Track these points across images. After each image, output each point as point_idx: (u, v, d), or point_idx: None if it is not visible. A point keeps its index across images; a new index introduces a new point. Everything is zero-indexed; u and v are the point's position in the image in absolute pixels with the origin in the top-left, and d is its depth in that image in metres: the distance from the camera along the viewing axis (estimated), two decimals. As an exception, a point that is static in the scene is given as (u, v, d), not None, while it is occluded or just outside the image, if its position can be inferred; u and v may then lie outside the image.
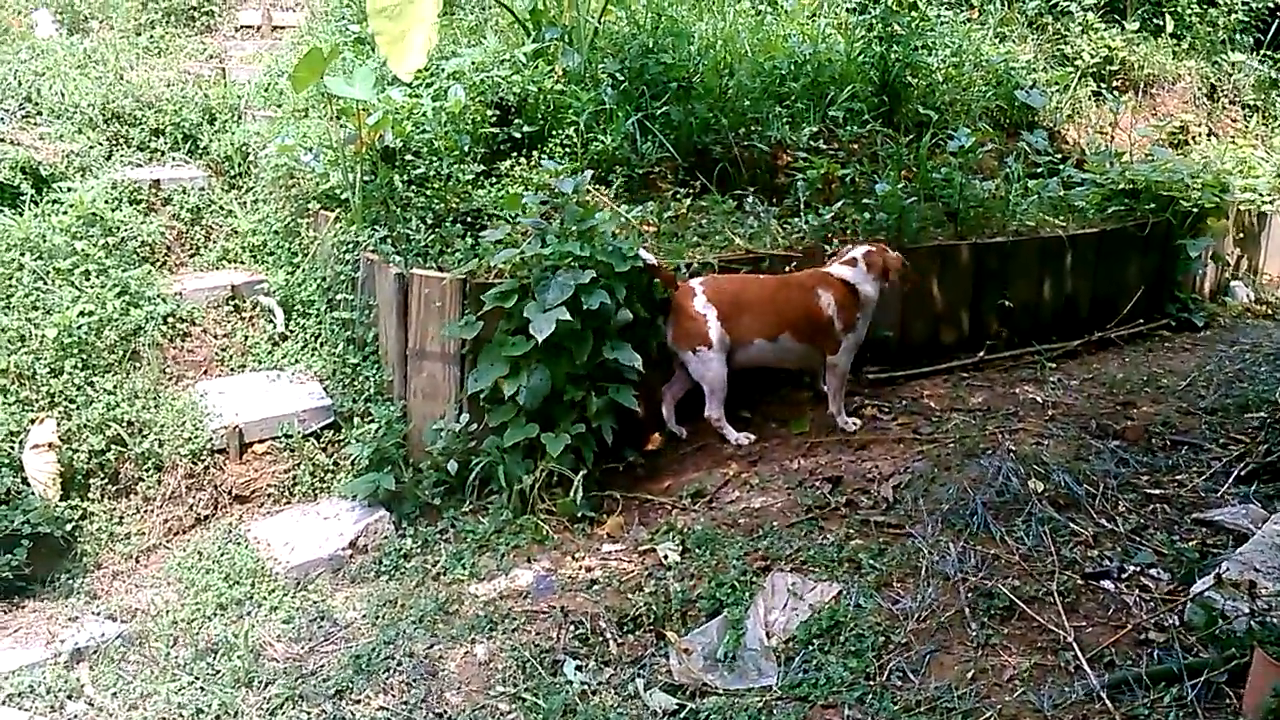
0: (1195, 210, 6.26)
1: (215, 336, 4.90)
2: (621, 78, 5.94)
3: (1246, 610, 3.16)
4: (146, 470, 4.22)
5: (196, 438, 4.32)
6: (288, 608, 3.77)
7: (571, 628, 3.57)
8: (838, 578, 3.67)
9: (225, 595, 3.80)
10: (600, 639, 3.54)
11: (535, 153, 5.37)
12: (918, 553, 3.74)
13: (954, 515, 3.94)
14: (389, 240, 4.64)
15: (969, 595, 3.52)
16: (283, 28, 8.18)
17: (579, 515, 4.23)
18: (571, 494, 4.20)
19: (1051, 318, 5.95)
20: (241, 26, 8.27)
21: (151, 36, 7.38)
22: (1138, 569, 3.66)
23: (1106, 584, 3.61)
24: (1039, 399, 5.07)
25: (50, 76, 5.95)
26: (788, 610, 3.57)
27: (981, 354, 5.55)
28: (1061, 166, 6.78)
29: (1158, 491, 4.18)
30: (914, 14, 7.08)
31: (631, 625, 3.61)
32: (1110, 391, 5.19)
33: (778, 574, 3.72)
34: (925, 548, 3.77)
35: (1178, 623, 3.33)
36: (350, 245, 4.71)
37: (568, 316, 4.18)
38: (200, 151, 5.85)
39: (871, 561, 3.72)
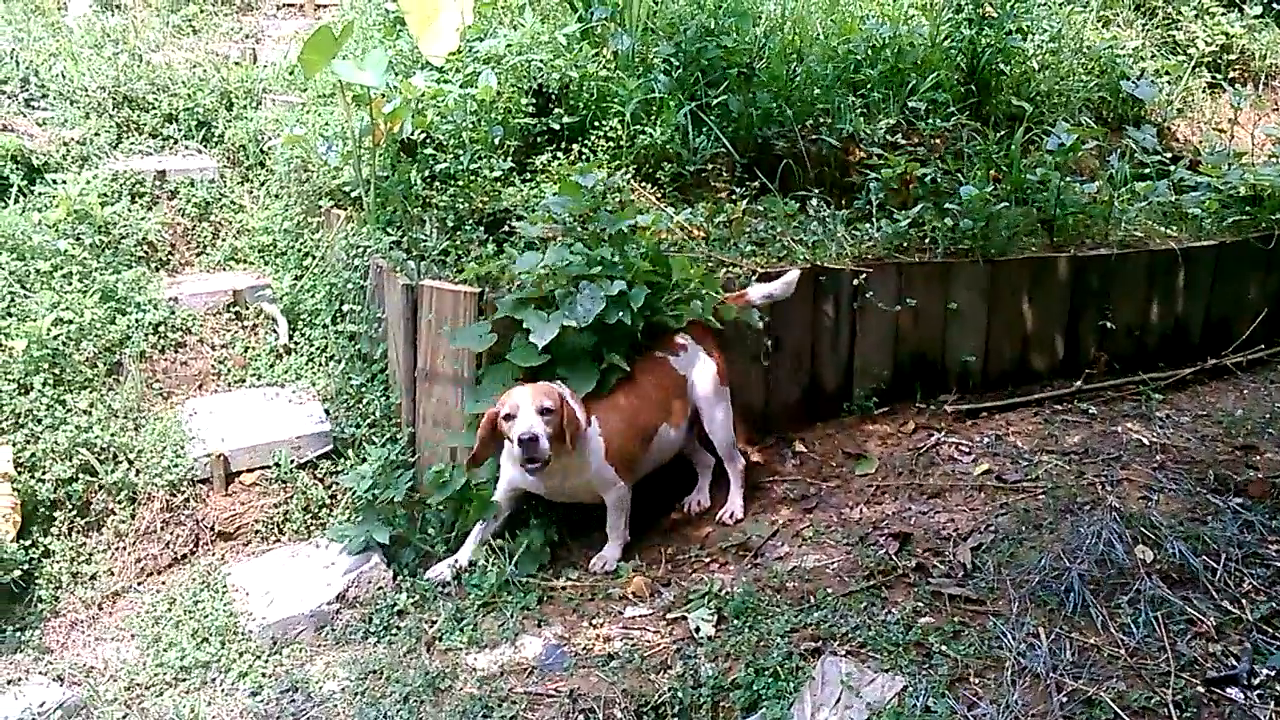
0: (1328, 222, 5.46)
1: (213, 347, 4.43)
2: (676, 63, 5.35)
3: None
4: (119, 502, 3.76)
5: (177, 466, 3.85)
6: (257, 675, 3.27)
7: (580, 717, 3.02)
8: (902, 668, 3.05)
9: (190, 656, 3.31)
10: (614, 733, 2.98)
11: (576, 146, 4.82)
12: (1000, 639, 3.12)
13: (1045, 590, 3.31)
14: (402, 245, 4.12)
15: (1064, 702, 2.87)
16: (326, 5, 7.74)
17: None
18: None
19: (1159, 342, 5.22)
20: (283, 4, 7.84)
21: (185, 15, 6.97)
22: (1272, 673, 2.99)
23: (1234, 692, 2.95)
24: (1145, 440, 4.37)
25: (63, 57, 5.55)
26: (840, 709, 2.97)
27: (1078, 383, 4.86)
28: (1172, 168, 6.00)
29: (1291, 566, 3.49)
30: (1008, -7, 6.34)
31: (652, 715, 3.05)
32: (1228, 432, 4.46)
33: (830, 660, 3.11)
34: (1009, 633, 3.13)
35: (1327, 753, 2.67)
36: (360, 249, 4.20)
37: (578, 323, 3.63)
38: (215, 140, 5.40)
39: (944, 648, 3.10)
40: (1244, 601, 3.26)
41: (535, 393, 3.46)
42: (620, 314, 3.69)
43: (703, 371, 3.99)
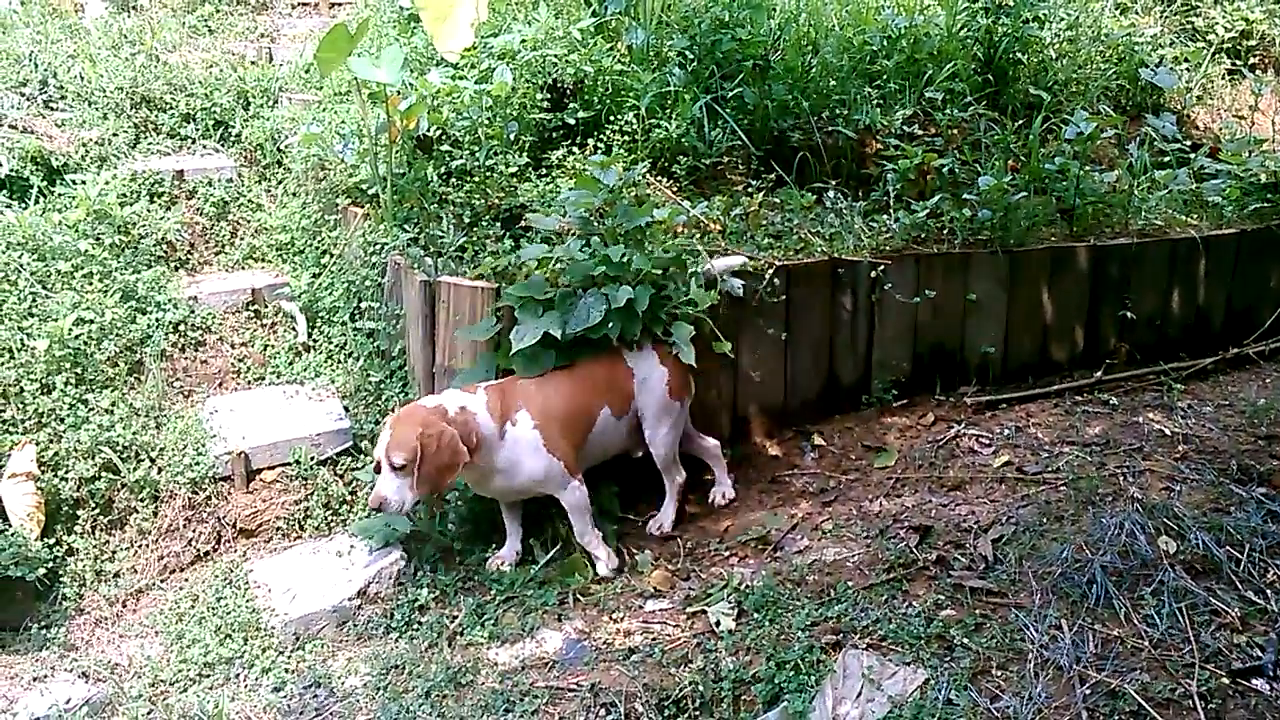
0: (1350, 208, 5.40)
1: (232, 346, 4.46)
2: (691, 56, 5.34)
3: None
4: (142, 500, 3.79)
5: (199, 464, 3.87)
6: (280, 670, 3.29)
7: (602, 711, 3.02)
8: (924, 661, 3.04)
9: (214, 653, 3.34)
10: (635, 727, 2.98)
11: (591, 141, 4.82)
12: (1022, 632, 3.10)
13: (1067, 582, 3.28)
14: (419, 242, 4.13)
15: (1088, 694, 2.86)
16: (340, 4, 7.76)
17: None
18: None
19: (1180, 331, 5.18)
20: (298, 3, 7.86)
21: (201, 15, 7.00)
22: (1297, 664, 2.96)
23: (1259, 684, 2.93)
24: (1167, 430, 4.33)
25: (80, 58, 5.58)
26: (862, 702, 2.96)
27: (1099, 374, 4.82)
28: (1192, 156, 5.94)
29: (1316, 557, 3.45)
30: (1025, -18, 6.29)
31: (674, 709, 3.04)
32: (1251, 422, 4.42)
33: (851, 652, 3.11)
34: (1032, 625, 3.12)
35: (1355, 745, 2.64)
36: (377, 246, 4.22)
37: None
38: (232, 139, 5.43)
39: (966, 641, 3.08)
40: (1269, 592, 3.23)
41: (395, 439, 3.30)
42: (612, 324, 3.65)
43: (653, 375, 3.83)
